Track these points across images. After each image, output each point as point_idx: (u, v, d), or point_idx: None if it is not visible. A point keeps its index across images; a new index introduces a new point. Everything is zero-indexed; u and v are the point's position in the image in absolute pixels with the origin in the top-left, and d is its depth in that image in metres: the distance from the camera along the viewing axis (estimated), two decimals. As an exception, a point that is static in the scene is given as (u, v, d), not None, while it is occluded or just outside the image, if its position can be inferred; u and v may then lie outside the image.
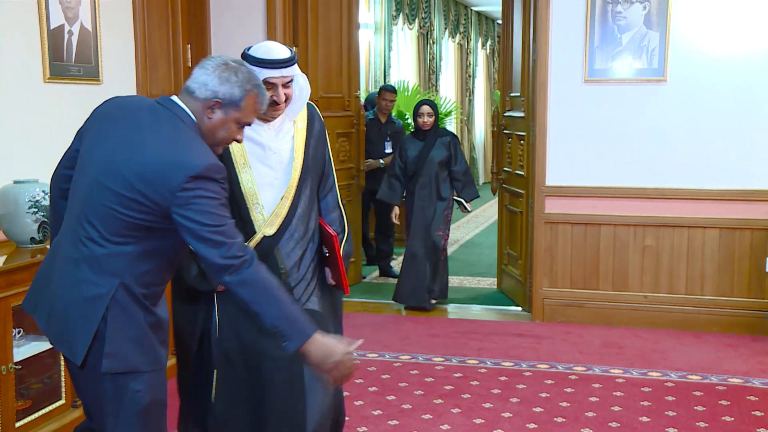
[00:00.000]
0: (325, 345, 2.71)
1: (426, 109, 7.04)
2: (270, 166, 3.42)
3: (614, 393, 5.17)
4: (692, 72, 6.50)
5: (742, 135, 6.48)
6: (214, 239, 2.58)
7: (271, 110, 3.30)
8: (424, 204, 7.11)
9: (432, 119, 7.07)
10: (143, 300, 2.69)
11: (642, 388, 5.27)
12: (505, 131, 7.77)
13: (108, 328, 2.62)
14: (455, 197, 7.36)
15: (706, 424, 4.68)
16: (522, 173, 7.17)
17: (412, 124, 7.71)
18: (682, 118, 6.56)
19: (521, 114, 7.17)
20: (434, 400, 5.04)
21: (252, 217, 3.36)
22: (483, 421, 4.72)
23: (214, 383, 3.37)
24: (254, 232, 3.36)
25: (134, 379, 2.67)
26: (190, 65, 6.97)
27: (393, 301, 7.28)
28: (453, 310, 7.38)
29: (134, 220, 2.60)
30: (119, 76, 5.79)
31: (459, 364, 5.73)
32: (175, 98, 2.79)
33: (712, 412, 4.89)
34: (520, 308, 7.17)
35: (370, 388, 5.24)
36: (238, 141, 2.90)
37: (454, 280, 8.04)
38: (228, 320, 3.36)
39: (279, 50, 3.34)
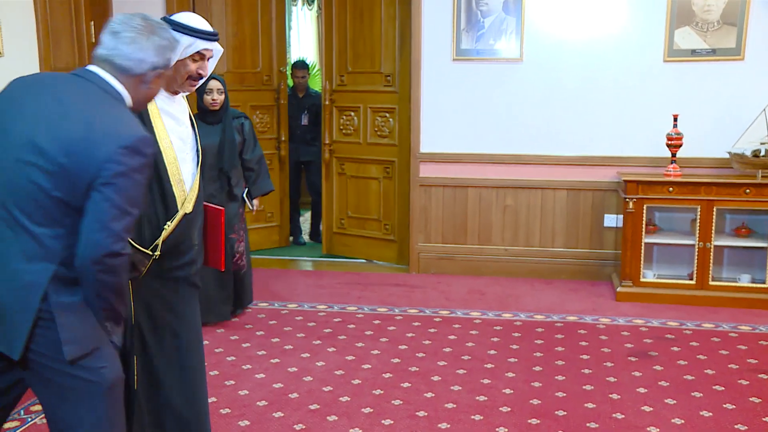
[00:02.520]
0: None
1: (215, 84, 5.61)
2: (183, 140, 3.21)
3: (470, 332, 5.67)
4: (544, 54, 6.94)
5: (585, 109, 6.95)
6: (114, 228, 2.36)
7: (189, 84, 3.14)
8: (215, 201, 5.25)
9: (222, 97, 5.68)
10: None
11: (494, 327, 5.77)
12: (336, 105, 7.81)
13: (56, 315, 2.39)
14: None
15: (542, 354, 5.23)
16: (394, 142, 7.50)
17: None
18: (535, 94, 7.00)
19: (389, 88, 7.43)
20: (313, 341, 5.46)
21: (175, 194, 3.10)
22: (354, 357, 5.16)
23: (135, 371, 3.14)
24: (176, 210, 3.11)
25: (96, 357, 2.47)
26: (93, 41, 7.14)
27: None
28: (340, 263, 7.74)
29: (62, 199, 2.37)
30: (20, 52, 5.89)
31: (339, 310, 6.17)
32: (95, 69, 2.55)
33: (548, 344, 5.44)
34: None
35: (257, 332, 5.65)
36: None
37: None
38: (142, 306, 3.14)
39: (207, 23, 3.17)
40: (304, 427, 4.14)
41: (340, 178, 7.89)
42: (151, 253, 3.04)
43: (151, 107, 3.05)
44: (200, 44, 3.05)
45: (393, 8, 7.31)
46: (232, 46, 7.65)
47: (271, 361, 5.13)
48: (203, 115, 5.62)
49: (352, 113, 7.65)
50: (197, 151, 3.28)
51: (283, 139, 8.20)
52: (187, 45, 3.02)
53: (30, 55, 6.14)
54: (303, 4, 11.97)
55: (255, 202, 5.97)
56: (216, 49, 3.15)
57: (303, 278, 7.25)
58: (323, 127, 7.91)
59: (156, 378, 3.22)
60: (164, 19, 3.02)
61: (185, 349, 3.27)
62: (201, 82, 3.17)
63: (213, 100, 5.58)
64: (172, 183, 3.08)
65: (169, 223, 3.07)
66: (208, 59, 3.14)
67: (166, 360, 3.23)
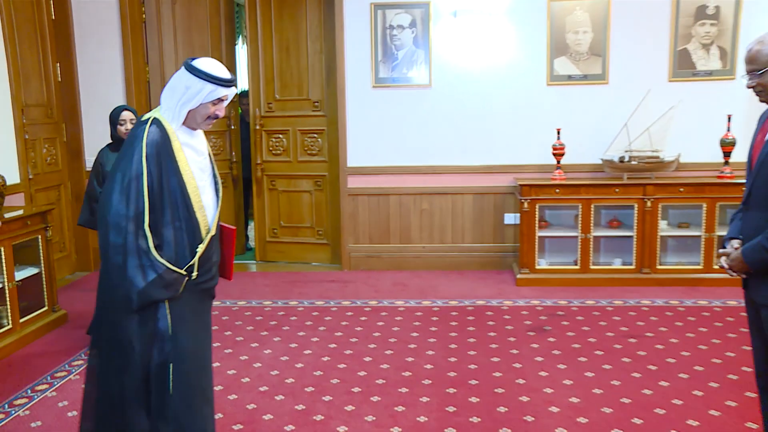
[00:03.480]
0: None
1: (128, 115, 5.15)
2: (202, 169, 3.13)
3: (396, 318, 5.81)
4: (450, 80, 7.15)
5: (485, 126, 7.18)
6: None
7: (208, 123, 3.09)
8: None
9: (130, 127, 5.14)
10: None
11: (416, 313, 5.93)
12: (264, 129, 7.72)
13: None
14: None
15: (456, 334, 5.41)
16: (324, 159, 7.57)
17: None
18: (443, 114, 7.20)
19: (318, 112, 7.50)
20: (261, 333, 5.54)
21: (198, 219, 3.05)
22: (296, 345, 5.26)
23: (170, 377, 3.02)
24: (200, 233, 3.06)
25: None
26: (60, 80, 7.19)
27: None
28: (282, 265, 7.77)
29: None
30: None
31: (282, 305, 6.26)
32: None
33: (462, 325, 5.62)
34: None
35: (212, 328, 5.61)
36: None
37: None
38: (179, 319, 3.04)
39: (224, 68, 3.08)
40: (255, 406, 4.23)
41: (271, 193, 7.85)
42: (186, 273, 3.02)
43: (175, 142, 3.01)
44: (221, 91, 3.00)
45: (319, 43, 7.43)
46: None
47: (225, 351, 5.18)
48: (117, 145, 5.17)
49: (281, 136, 7.65)
50: (215, 179, 3.23)
51: (234, 160, 8.09)
52: (210, 92, 2.98)
53: (3, 93, 6.16)
54: (243, 43, 11.98)
55: None
56: (232, 93, 3.07)
57: (250, 279, 7.29)
58: (254, 149, 7.79)
59: (188, 380, 3.10)
60: (187, 65, 2.99)
61: (207, 353, 3.24)
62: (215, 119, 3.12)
63: (126, 129, 5.09)
64: (195, 209, 3.04)
65: (201, 246, 3.05)
66: (224, 101, 3.08)
67: (195, 362, 3.14)
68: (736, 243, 3.15)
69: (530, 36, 7.07)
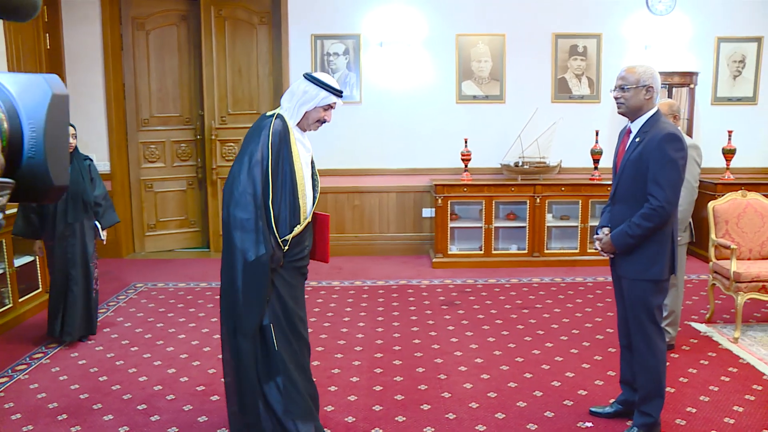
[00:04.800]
0: None
1: (71, 129, 4.41)
2: (307, 164, 3.10)
3: (332, 296, 5.85)
4: (377, 98, 7.24)
5: (406, 136, 7.30)
6: None
7: (317, 127, 3.09)
8: (78, 236, 4.66)
9: (75, 141, 4.73)
10: None
11: (349, 292, 5.98)
12: (219, 139, 7.47)
13: None
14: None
15: (383, 308, 5.49)
16: None
17: None
18: (372, 126, 7.28)
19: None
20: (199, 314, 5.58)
21: (300, 205, 3.00)
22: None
23: (273, 336, 3.01)
24: (299, 218, 3.01)
25: None
26: None
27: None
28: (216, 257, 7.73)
29: None
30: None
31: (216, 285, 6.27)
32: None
33: (387, 301, 5.70)
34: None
35: (177, 304, 5.62)
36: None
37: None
38: (273, 287, 3.00)
39: (335, 81, 3.12)
40: (215, 371, 4.08)
41: None
42: (283, 246, 2.97)
43: (292, 137, 3.02)
44: (332, 98, 3.02)
45: (268, 67, 7.43)
46: (157, 97, 7.50)
47: (189, 325, 5.12)
48: None
49: (233, 144, 7.55)
50: (314, 175, 3.19)
51: (200, 165, 7.74)
52: (324, 97, 3.01)
53: None
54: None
55: (103, 233, 4.85)
56: (339, 102, 3.08)
57: (212, 264, 7.04)
58: (209, 156, 7.51)
59: (288, 343, 3.08)
60: (306, 75, 3.04)
61: (298, 322, 3.14)
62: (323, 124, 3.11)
63: (70, 143, 4.30)
64: (299, 196, 3.01)
65: (298, 226, 3.00)
66: (333, 108, 3.09)
67: (289, 329, 3.09)
68: (606, 230, 3.37)
69: (442, 63, 7.22)
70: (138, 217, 7.65)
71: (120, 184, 7.39)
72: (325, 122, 3.09)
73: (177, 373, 4.23)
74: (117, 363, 4.40)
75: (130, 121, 7.52)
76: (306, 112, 3.04)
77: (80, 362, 4.41)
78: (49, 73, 1.27)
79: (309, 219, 3.07)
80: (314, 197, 3.15)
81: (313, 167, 3.20)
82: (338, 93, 3.06)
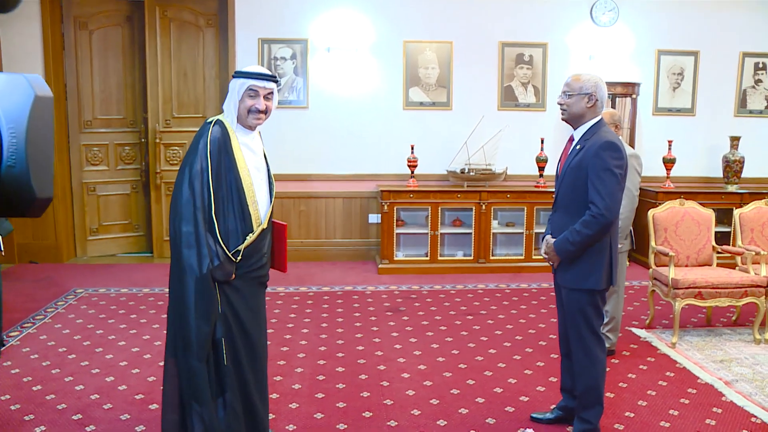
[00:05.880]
0: None
1: None
2: (258, 168, 2.97)
3: (277, 302, 5.76)
4: (324, 103, 7.18)
5: (353, 142, 7.25)
6: None
7: (253, 118, 2.89)
8: None
9: None
10: None
11: (294, 298, 5.91)
12: (163, 143, 7.26)
13: None
14: None
15: (327, 315, 5.43)
16: None
17: None
18: (319, 131, 7.21)
19: None
20: (162, 315, 5.28)
21: (251, 212, 2.90)
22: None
23: (224, 351, 2.92)
24: (251, 226, 2.91)
25: None
26: None
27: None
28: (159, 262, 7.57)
29: None
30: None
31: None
32: None
33: (332, 307, 5.65)
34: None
35: (118, 311, 5.47)
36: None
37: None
38: (225, 298, 2.90)
39: (264, 69, 2.98)
40: (155, 378, 4.07)
41: (168, 198, 7.35)
42: (233, 258, 2.87)
43: (234, 142, 2.90)
44: (249, 81, 2.86)
45: (215, 70, 7.30)
46: (100, 99, 7.30)
47: (130, 332, 4.99)
48: None
49: (177, 148, 7.38)
50: (269, 178, 3.07)
51: (144, 169, 7.54)
52: (242, 83, 2.88)
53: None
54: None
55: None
56: (267, 86, 2.88)
57: (155, 269, 6.96)
58: (152, 160, 7.30)
59: (238, 357, 2.98)
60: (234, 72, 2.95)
61: (256, 334, 3.04)
62: (264, 116, 2.91)
63: None
64: (248, 204, 2.89)
65: (251, 235, 2.90)
66: (264, 96, 2.89)
67: (243, 342, 2.99)
68: (550, 238, 3.38)
69: (390, 69, 7.21)
70: (80, 221, 7.43)
71: (61, 188, 7.16)
72: (259, 111, 2.89)
73: (115, 381, 4.10)
74: (53, 371, 4.23)
75: (72, 124, 7.30)
76: (239, 107, 2.91)
77: (12, 371, 4.23)
78: (32, 74, 1.15)
79: (264, 226, 2.97)
80: (270, 201, 3.04)
81: (268, 170, 3.08)
82: (254, 76, 2.89)
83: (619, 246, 4.19)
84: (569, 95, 3.25)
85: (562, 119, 3.35)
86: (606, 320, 4.47)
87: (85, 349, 4.66)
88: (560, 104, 3.30)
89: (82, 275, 6.68)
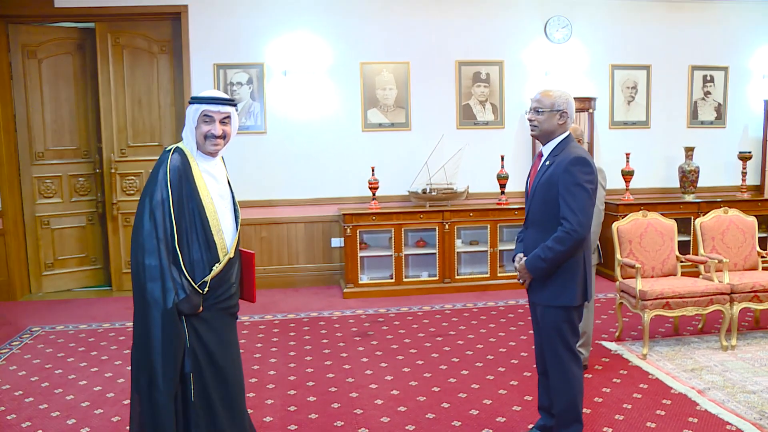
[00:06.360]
0: None
1: None
2: (221, 196, 2.91)
3: (242, 331, 5.58)
4: (282, 128, 7.10)
5: (313, 165, 7.18)
6: None
7: (211, 144, 2.82)
8: None
9: None
10: None
11: (260, 327, 5.78)
12: (118, 173, 7.11)
13: None
14: None
15: (294, 342, 5.32)
16: None
17: None
18: (278, 156, 7.12)
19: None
20: (124, 351, 5.16)
21: (216, 241, 2.83)
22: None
23: (192, 386, 2.84)
24: (217, 255, 2.84)
25: None
26: None
27: None
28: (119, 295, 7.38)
29: None
30: None
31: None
32: None
33: (299, 334, 5.54)
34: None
35: (78, 348, 5.27)
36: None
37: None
38: (193, 331, 2.82)
39: (219, 93, 2.90)
40: (120, 418, 3.95)
41: (126, 229, 7.21)
42: (200, 290, 2.79)
43: (195, 169, 2.83)
44: (203, 107, 2.80)
45: (170, 97, 7.19)
46: (52, 129, 7.11)
47: (91, 370, 4.81)
48: None
49: (134, 178, 7.21)
50: (234, 206, 3.00)
51: (100, 200, 7.35)
52: (195, 109, 2.82)
53: None
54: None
55: None
56: (222, 110, 2.81)
57: (114, 303, 6.75)
58: (108, 190, 7.11)
59: (207, 392, 2.88)
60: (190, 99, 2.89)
61: (228, 366, 2.94)
62: (222, 141, 2.84)
63: None
64: (213, 232, 2.82)
65: (217, 265, 2.83)
66: (220, 121, 2.82)
67: (213, 375, 2.89)
68: (521, 256, 3.33)
69: (347, 91, 7.17)
70: (34, 255, 7.17)
71: (12, 222, 6.91)
72: (215, 137, 2.81)
73: (77, 424, 3.91)
74: (8, 417, 4.01)
75: (23, 155, 7.08)
76: (196, 134, 2.84)
77: (-37, 419, 4.01)
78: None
79: (230, 254, 2.89)
80: (236, 229, 2.97)
81: (233, 197, 3.01)
82: (207, 101, 2.82)
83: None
84: (540, 112, 3.22)
85: (532, 135, 3.32)
86: (577, 335, 4.44)
87: (44, 390, 4.45)
88: (531, 120, 3.27)
89: (37, 312, 6.43)
